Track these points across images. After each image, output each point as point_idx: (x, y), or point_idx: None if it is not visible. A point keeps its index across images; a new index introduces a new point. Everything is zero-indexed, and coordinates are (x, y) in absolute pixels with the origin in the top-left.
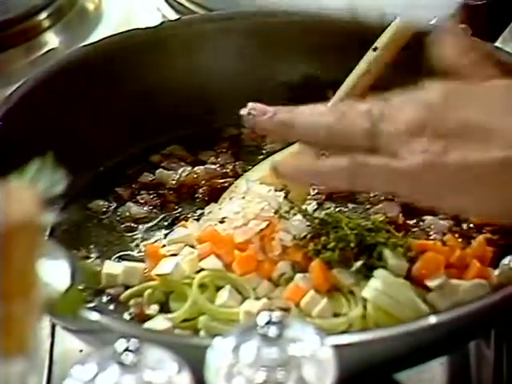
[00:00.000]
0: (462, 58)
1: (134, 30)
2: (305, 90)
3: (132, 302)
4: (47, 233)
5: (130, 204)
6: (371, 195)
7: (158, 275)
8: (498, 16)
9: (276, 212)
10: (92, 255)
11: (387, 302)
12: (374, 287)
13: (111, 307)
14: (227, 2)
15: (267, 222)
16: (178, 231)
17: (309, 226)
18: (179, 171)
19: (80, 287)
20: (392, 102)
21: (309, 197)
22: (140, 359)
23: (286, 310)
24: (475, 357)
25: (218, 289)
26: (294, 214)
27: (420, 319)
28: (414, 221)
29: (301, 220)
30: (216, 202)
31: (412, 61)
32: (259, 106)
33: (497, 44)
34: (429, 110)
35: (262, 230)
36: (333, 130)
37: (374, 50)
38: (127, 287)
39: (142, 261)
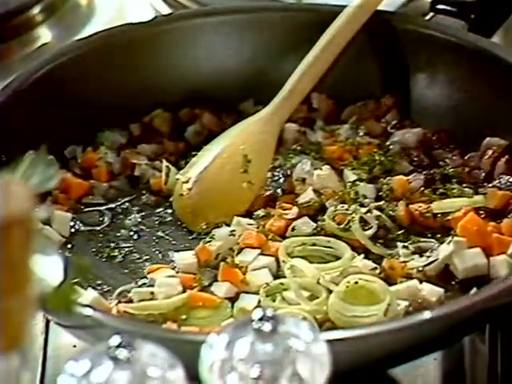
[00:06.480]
0: None
1: (126, 24)
2: None
3: None
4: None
5: None
6: None
7: None
8: (494, 12)
9: None
10: None
11: None
12: None
13: None
14: None
15: None
16: None
17: None
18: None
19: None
20: None
21: None
22: (133, 355)
23: None
24: (470, 352)
25: None
26: None
27: (415, 315)
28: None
29: None
30: None
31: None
32: None
33: (493, 40)
34: None
35: None
36: None
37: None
38: None
39: None
